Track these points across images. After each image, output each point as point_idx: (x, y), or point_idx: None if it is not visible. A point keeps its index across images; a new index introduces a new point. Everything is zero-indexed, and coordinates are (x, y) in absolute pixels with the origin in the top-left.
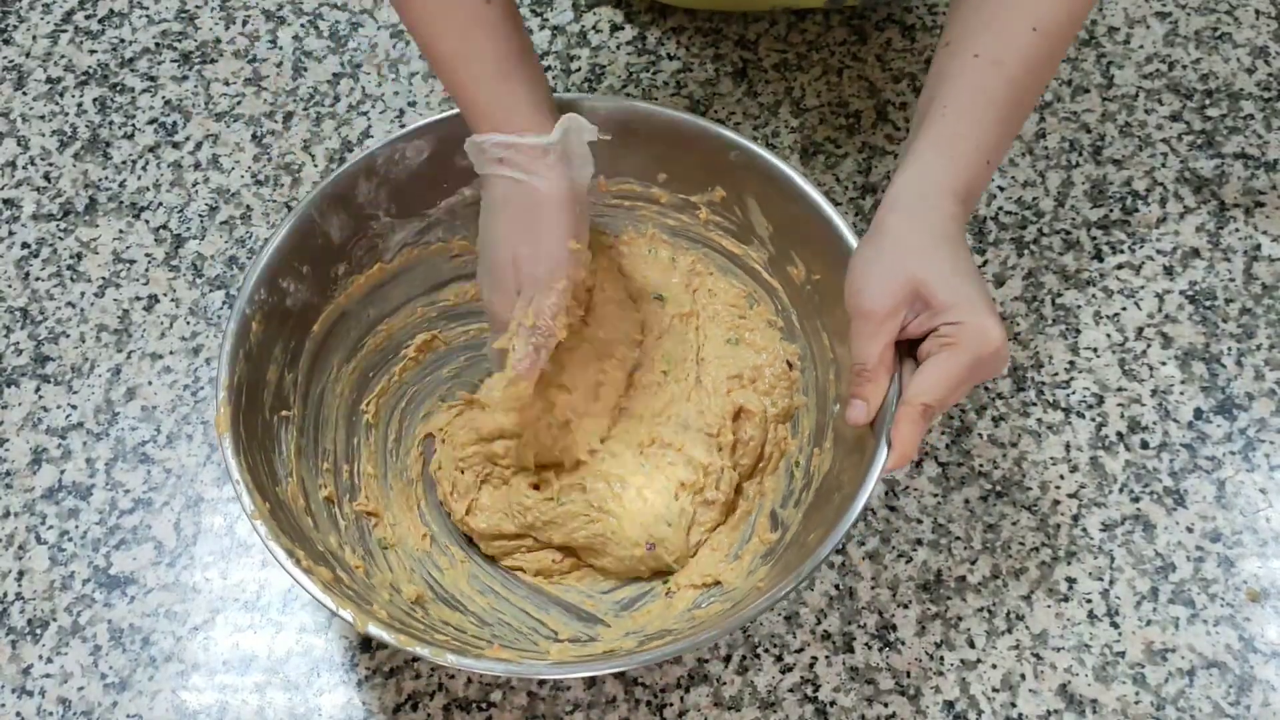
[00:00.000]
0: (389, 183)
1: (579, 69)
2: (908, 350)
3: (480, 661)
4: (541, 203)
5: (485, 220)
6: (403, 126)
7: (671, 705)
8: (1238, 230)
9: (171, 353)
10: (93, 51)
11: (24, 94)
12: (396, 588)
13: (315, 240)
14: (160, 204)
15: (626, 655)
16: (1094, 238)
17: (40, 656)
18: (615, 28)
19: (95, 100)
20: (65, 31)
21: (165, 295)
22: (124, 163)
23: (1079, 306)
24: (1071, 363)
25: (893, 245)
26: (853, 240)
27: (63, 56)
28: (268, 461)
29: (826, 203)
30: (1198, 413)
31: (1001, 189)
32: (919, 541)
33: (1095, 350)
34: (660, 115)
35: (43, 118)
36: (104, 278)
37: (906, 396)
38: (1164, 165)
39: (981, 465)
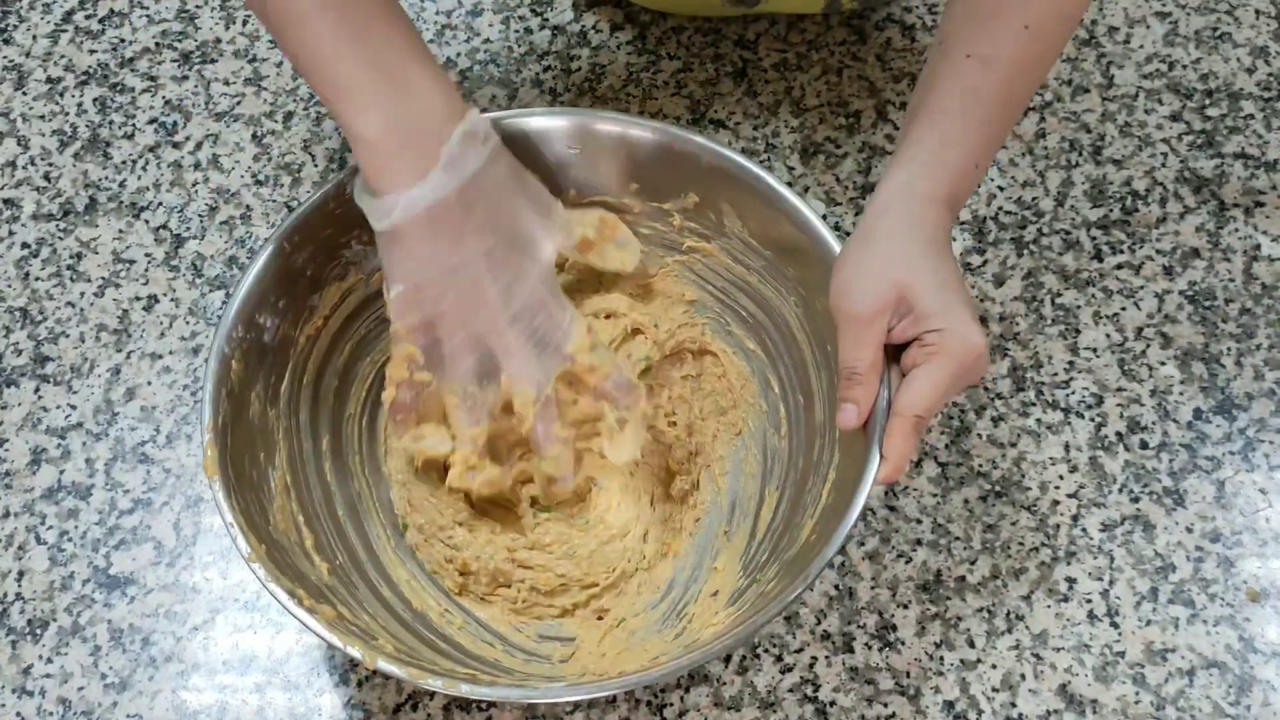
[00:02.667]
0: (358, 210)
1: (579, 69)
2: (893, 356)
3: (495, 689)
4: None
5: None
6: None
7: (671, 705)
8: (1238, 230)
9: (171, 353)
10: (93, 51)
11: (24, 94)
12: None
13: (289, 273)
14: (160, 204)
15: (638, 673)
16: (1094, 238)
17: (40, 656)
18: (615, 28)
19: (95, 100)
20: (65, 31)
21: (165, 295)
22: (124, 163)
23: (1079, 306)
24: (1071, 363)
25: (880, 250)
26: (830, 239)
27: (63, 56)
28: (259, 500)
29: (802, 203)
30: (1197, 413)
31: (1001, 189)
32: (919, 541)
33: (1095, 350)
34: (626, 124)
35: (43, 117)
36: (104, 278)
37: (898, 408)
38: (1164, 165)
39: (981, 465)
